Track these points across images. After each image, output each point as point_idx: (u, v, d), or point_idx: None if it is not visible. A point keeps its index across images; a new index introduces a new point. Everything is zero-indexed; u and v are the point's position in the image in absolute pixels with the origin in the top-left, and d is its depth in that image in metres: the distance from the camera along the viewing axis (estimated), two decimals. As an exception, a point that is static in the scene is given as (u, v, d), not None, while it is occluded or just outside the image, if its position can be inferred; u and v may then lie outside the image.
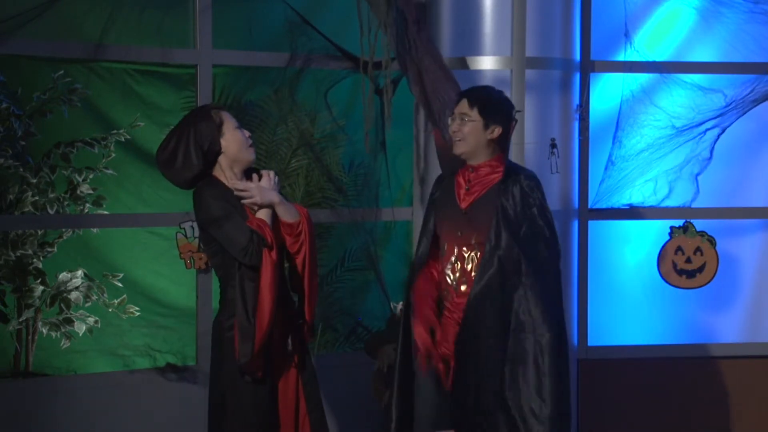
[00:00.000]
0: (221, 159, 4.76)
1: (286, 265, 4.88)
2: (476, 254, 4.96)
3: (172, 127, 4.86)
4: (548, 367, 4.79)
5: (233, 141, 4.76)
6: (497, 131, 4.98)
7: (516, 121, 5.09)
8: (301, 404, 4.86)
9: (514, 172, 5.02)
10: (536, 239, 4.92)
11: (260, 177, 4.82)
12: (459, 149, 5.00)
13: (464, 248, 5.00)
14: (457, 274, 5.01)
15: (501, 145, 5.02)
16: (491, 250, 4.88)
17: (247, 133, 4.81)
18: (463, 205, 5.01)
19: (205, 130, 4.72)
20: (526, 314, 4.82)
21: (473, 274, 4.95)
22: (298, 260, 4.81)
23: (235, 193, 4.72)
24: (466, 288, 4.96)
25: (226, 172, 4.77)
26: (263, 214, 4.71)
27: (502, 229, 4.90)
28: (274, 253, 4.65)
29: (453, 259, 5.02)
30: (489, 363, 4.84)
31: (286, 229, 4.78)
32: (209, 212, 4.68)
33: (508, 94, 6.12)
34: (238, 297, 4.66)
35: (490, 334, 4.85)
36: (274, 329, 4.70)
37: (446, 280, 5.03)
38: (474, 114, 4.96)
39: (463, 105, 5.00)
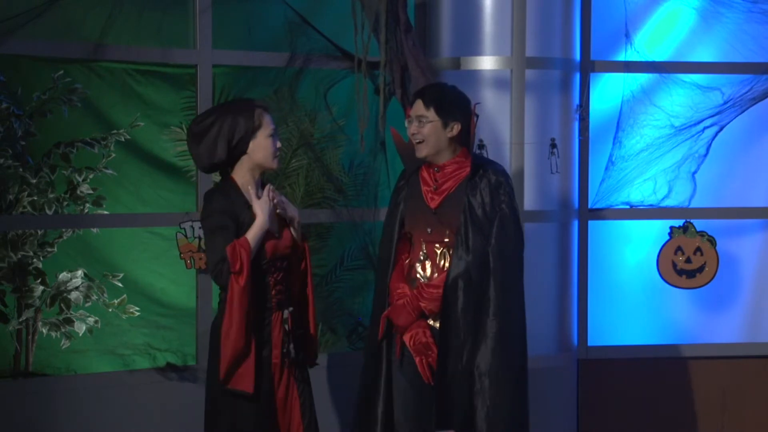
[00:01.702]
0: (245, 159, 4.80)
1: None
2: (449, 251, 4.96)
3: (214, 107, 4.90)
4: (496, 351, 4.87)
5: (262, 147, 4.79)
6: (457, 128, 4.94)
7: (477, 115, 5.05)
8: (296, 411, 4.85)
9: (481, 167, 4.99)
10: (506, 237, 4.92)
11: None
12: (422, 152, 4.97)
13: (436, 245, 4.99)
14: (429, 271, 5.00)
15: (463, 140, 4.98)
16: (459, 252, 4.87)
17: (278, 144, 4.84)
18: (432, 204, 4.99)
19: (242, 125, 4.75)
20: (491, 307, 4.86)
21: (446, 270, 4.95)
22: (300, 276, 4.91)
23: (272, 195, 4.76)
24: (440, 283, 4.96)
25: (245, 174, 4.81)
26: (252, 236, 4.70)
27: (470, 230, 4.88)
28: (242, 279, 4.62)
29: (422, 256, 5.01)
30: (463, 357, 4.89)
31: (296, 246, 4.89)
32: (208, 221, 4.75)
33: (508, 94, 6.15)
34: (218, 321, 4.74)
35: (462, 334, 4.88)
36: (265, 345, 4.73)
37: (417, 279, 5.01)
38: (431, 114, 4.93)
39: (419, 106, 4.95)
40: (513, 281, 4.94)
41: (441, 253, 4.98)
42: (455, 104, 4.97)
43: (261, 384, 4.71)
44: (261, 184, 4.88)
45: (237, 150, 4.77)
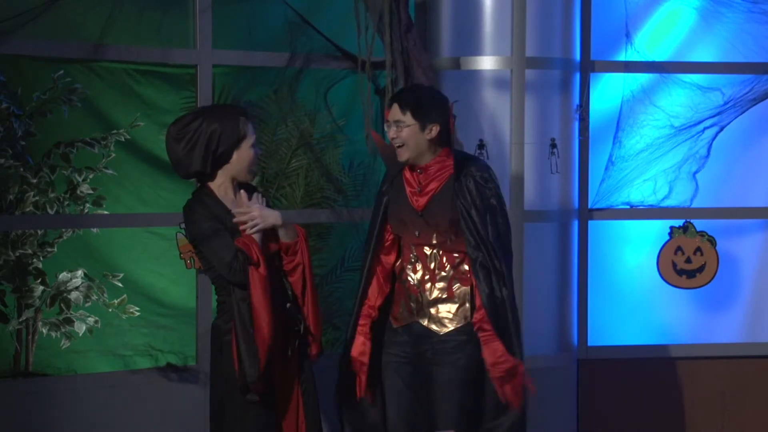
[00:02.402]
0: (225, 168, 4.70)
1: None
2: (439, 252, 4.96)
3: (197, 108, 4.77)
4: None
5: (244, 159, 4.69)
6: (435, 130, 4.89)
7: (455, 116, 5.04)
8: (300, 410, 4.85)
9: (464, 165, 4.96)
10: (500, 228, 4.93)
11: (250, 194, 4.76)
12: (403, 156, 4.93)
13: (425, 248, 4.98)
14: (419, 274, 5.00)
15: (443, 141, 4.94)
16: (474, 257, 4.87)
17: (258, 151, 4.74)
18: (418, 206, 4.98)
19: (227, 135, 4.63)
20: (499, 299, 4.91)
21: (437, 272, 4.96)
22: (294, 278, 4.79)
23: (237, 218, 4.64)
24: (431, 286, 4.97)
25: (225, 182, 4.71)
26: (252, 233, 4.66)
27: (473, 232, 4.88)
28: (262, 269, 4.58)
29: (412, 259, 5.01)
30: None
31: (283, 248, 4.76)
32: (198, 231, 4.65)
33: (508, 94, 6.15)
34: (238, 322, 4.62)
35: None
36: (274, 342, 4.67)
37: (408, 281, 5.02)
38: (408, 118, 4.88)
39: (395, 111, 4.91)
40: (510, 270, 4.96)
41: (431, 254, 4.99)
42: (432, 106, 4.92)
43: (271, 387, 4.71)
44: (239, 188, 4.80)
45: (220, 159, 4.67)
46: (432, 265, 4.98)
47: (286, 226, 4.76)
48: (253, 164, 4.73)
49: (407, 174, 5.02)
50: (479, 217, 4.88)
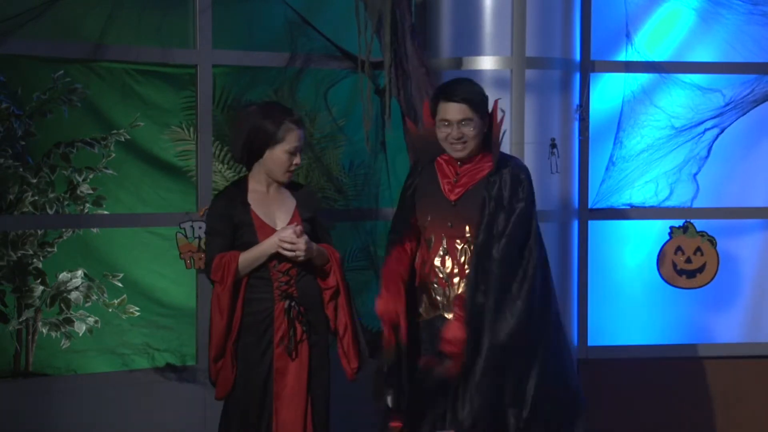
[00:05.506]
0: (259, 162, 4.96)
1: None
2: (470, 247, 4.95)
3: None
4: None
5: (275, 160, 4.93)
6: (486, 123, 4.99)
7: (503, 110, 5.06)
8: (309, 413, 4.92)
9: (504, 161, 5.00)
10: (508, 231, 4.89)
11: (297, 191, 5.01)
12: (463, 153, 4.96)
13: (456, 240, 4.97)
14: (449, 268, 4.99)
15: (487, 138, 5.01)
16: (481, 244, 4.87)
17: (296, 160, 4.95)
18: (452, 196, 4.98)
19: (263, 133, 4.89)
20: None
21: (467, 267, 4.94)
22: (329, 308, 5.03)
23: (279, 240, 4.85)
24: (459, 280, 4.95)
25: (260, 175, 4.98)
26: (246, 256, 4.87)
27: (490, 225, 4.88)
28: (220, 289, 4.86)
29: (442, 252, 5.00)
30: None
31: (317, 271, 5.01)
32: (209, 222, 5.01)
33: (508, 94, 6.15)
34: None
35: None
36: (266, 333, 4.89)
37: (436, 273, 5.00)
38: (474, 114, 4.93)
39: (464, 110, 4.91)
40: (506, 276, 4.91)
41: (462, 249, 4.98)
42: (485, 99, 5.01)
43: (261, 372, 4.88)
44: (291, 186, 5.07)
45: (255, 154, 4.94)
46: (462, 259, 4.97)
47: (319, 255, 4.98)
48: (284, 169, 4.94)
49: (443, 166, 5.03)
50: (497, 211, 4.88)
